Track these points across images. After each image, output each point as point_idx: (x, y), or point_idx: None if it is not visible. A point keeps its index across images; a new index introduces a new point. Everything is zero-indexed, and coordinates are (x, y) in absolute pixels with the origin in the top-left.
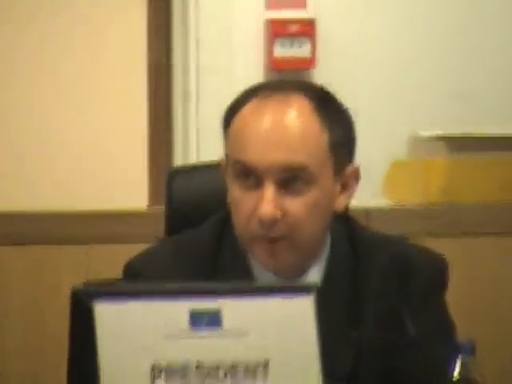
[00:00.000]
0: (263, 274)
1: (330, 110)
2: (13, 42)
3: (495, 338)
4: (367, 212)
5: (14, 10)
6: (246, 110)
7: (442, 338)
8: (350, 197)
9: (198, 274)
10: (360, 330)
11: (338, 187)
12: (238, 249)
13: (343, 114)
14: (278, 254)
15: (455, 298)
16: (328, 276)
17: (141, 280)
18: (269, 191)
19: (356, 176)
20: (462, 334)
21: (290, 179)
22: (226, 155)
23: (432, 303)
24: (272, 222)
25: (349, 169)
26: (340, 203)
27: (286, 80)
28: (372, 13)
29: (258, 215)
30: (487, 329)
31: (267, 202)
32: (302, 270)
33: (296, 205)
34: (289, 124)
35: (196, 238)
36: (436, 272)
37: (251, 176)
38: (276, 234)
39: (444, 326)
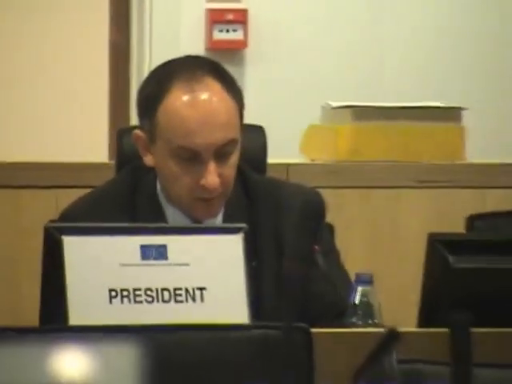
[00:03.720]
0: (174, 213)
1: (230, 83)
2: None
3: (392, 272)
4: (287, 167)
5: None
6: (176, 102)
7: (340, 268)
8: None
9: (118, 212)
10: (257, 261)
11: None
12: (151, 192)
13: (235, 82)
14: (212, 207)
15: (360, 238)
16: (229, 215)
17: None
18: (212, 166)
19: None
20: (364, 266)
21: (224, 151)
22: (152, 133)
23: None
24: (216, 189)
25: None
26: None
27: (189, 61)
28: (298, 4)
29: (206, 185)
30: (386, 265)
31: (212, 174)
32: None
33: (228, 169)
34: (217, 110)
35: (114, 184)
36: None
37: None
38: (215, 195)
39: (334, 252)
